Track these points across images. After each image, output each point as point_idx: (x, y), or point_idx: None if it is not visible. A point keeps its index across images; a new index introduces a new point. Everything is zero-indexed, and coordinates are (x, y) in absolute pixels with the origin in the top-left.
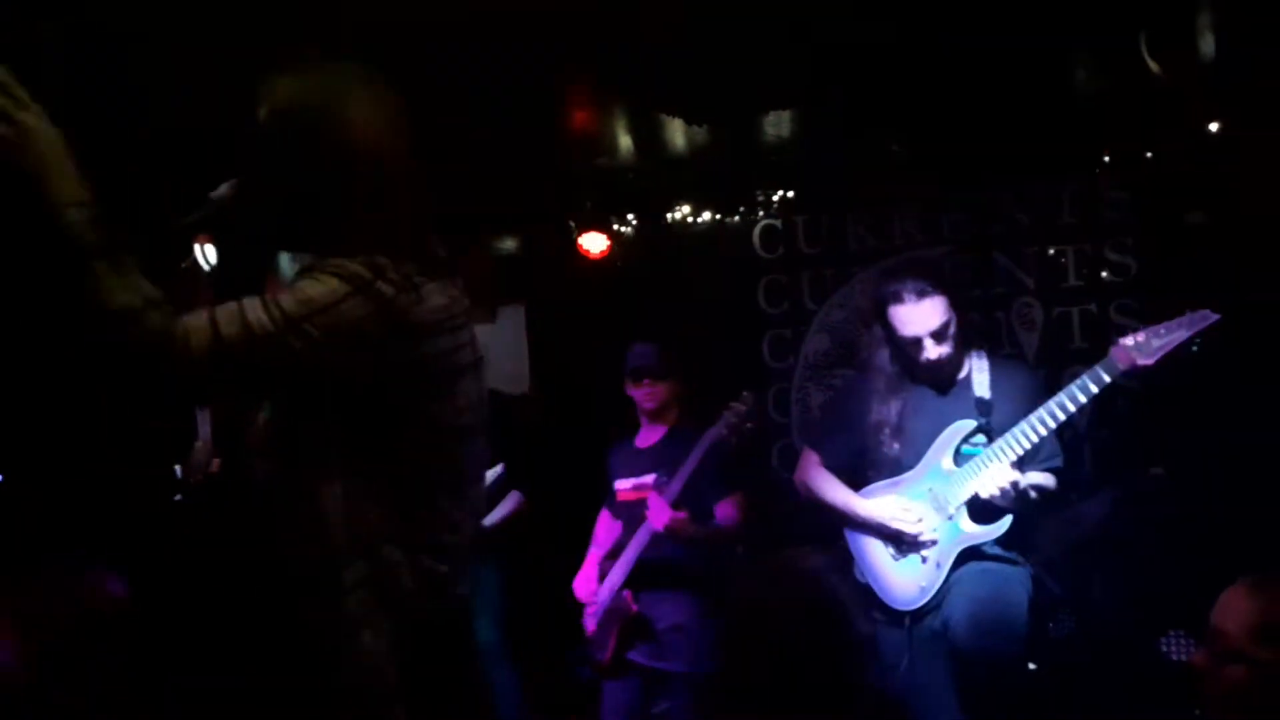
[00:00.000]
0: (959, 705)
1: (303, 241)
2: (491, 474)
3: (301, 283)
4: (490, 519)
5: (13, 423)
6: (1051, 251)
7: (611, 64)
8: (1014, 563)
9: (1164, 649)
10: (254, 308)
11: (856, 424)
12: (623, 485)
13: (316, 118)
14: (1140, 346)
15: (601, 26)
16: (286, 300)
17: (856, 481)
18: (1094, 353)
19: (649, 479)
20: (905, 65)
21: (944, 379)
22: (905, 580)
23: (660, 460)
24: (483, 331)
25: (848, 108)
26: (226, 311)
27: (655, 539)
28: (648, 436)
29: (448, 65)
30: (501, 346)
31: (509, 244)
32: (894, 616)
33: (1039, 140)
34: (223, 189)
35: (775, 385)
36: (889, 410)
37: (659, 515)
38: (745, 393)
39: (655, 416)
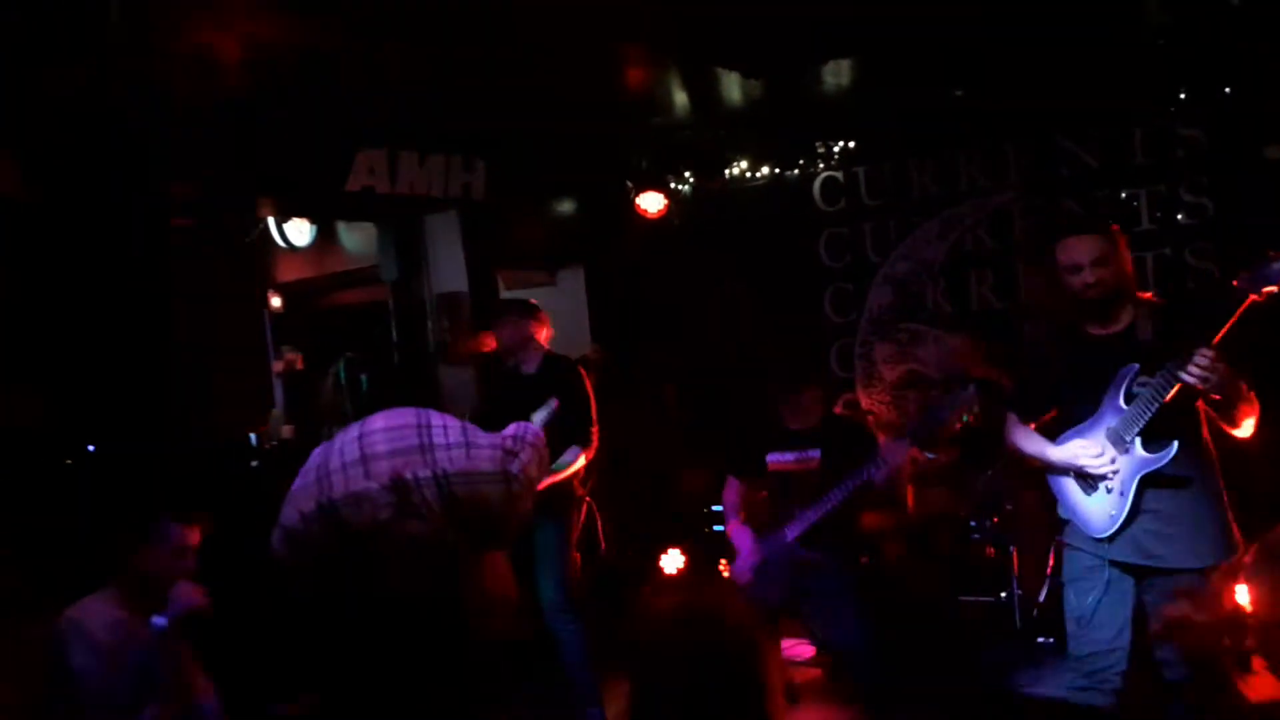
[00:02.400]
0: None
1: None
2: (544, 411)
3: None
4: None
5: (99, 392)
6: (1124, 195)
7: (665, 19)
8: (1189, 480)
9: None
10: None
11: (1043, 382)
12: (782, 459)
13: None
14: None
15: None
16: None
17: (1055, 430)
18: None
19: (814, 454)
20: (965, 6)
21: (1110, 334)
22: (1098, 510)
23: (816, 440)
24: (543, 294)
25: (908, 53)
26: None
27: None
28: (798, 418)
29: (506, 28)
30: (562, 309)
31: (567, 206)
32: (1093, 545)
33: (1107, 79)
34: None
35: (839, 340)
36: (1071, 368)
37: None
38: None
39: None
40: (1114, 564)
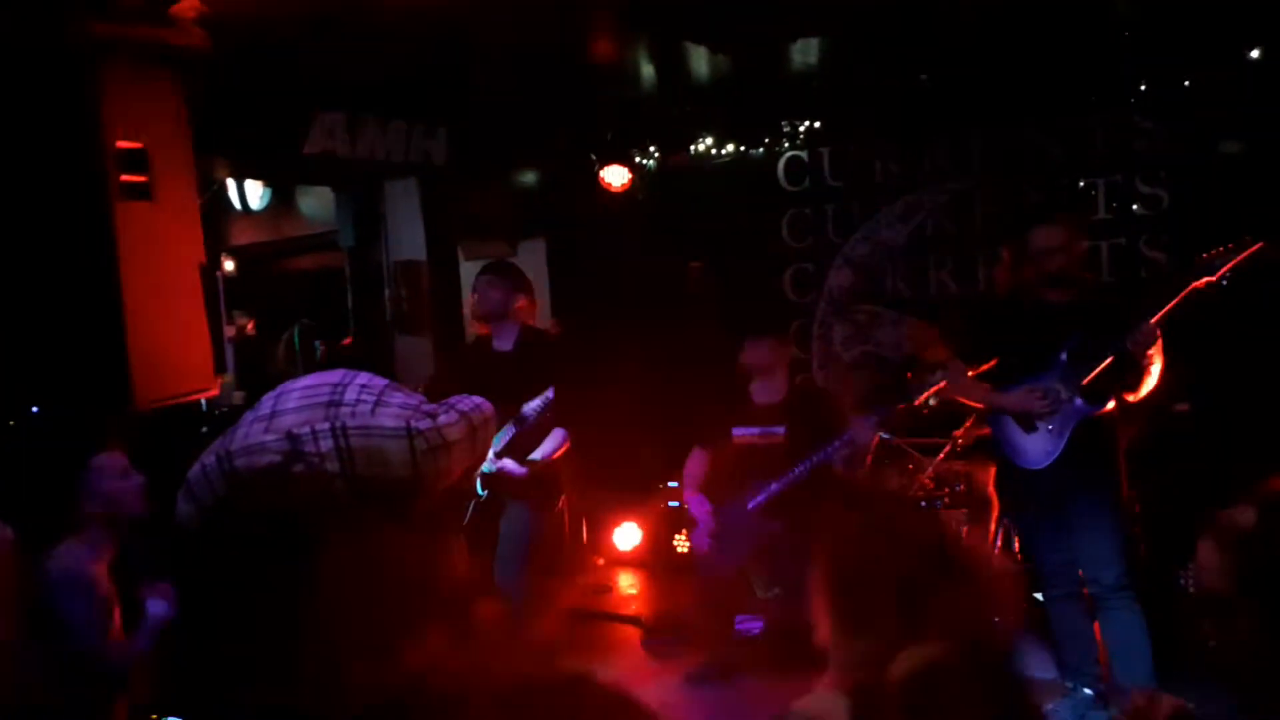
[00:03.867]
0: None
1: None
2: (536, 402)
3: None
4: (539, 453)
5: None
6: (1082, 184)
7: None
8: (1109, 429)
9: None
10: None
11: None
12: (747, 433)
13: None
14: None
15: None
16: None
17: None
18: (1121, 288)
19: (779, 430)
20: None
21: (1060, 303)
22: (1036, 448)
23: (780, 416)
24: None
25: (875, 36)
26: None
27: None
28: (764, 393)
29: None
30: None
31: (529, 177)
32: (1028, 476)
33: (1071, 69)
34: None
35: (797, 319)
36: (1022, 327)
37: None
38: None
39: (766, 373)
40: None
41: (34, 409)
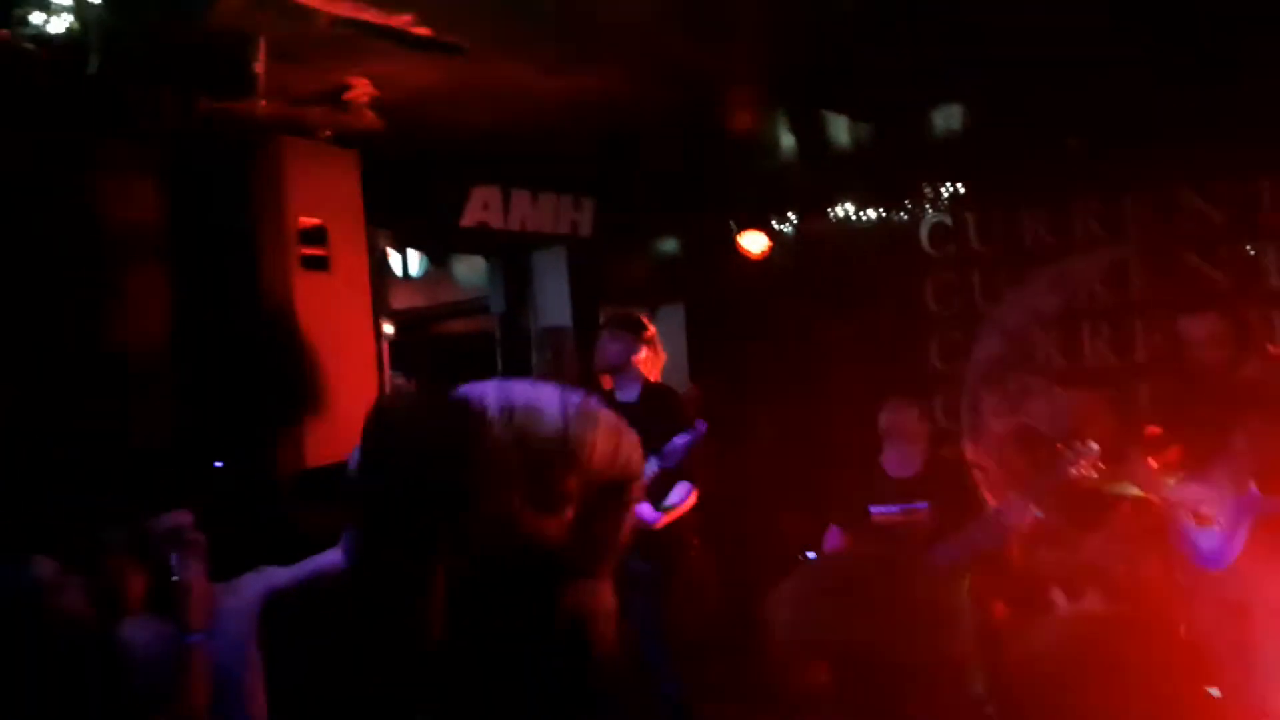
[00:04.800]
0: None
1: None
2: (686, 436)
3: None
4: (672, 499)
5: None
6: (1250, 250)
7: (775, 65)
8: None
9: None
10: None
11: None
12: (886, 511)
13: None
14: None
15: (765, 25)
16: None
17: None
18: None
19: (920, 506)
20: (1086, 53)
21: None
22: (1211, 545)
23: (920, 491)
24: None
25: (1023, 99)
26: None
27: None
28: (899, 466)
29: (619, 70)
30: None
31: (669, 244)
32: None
33: (1233, 130)
34: None
35: (944, 388)
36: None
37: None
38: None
39: (903, 442)
40: None
41: (217, 464)
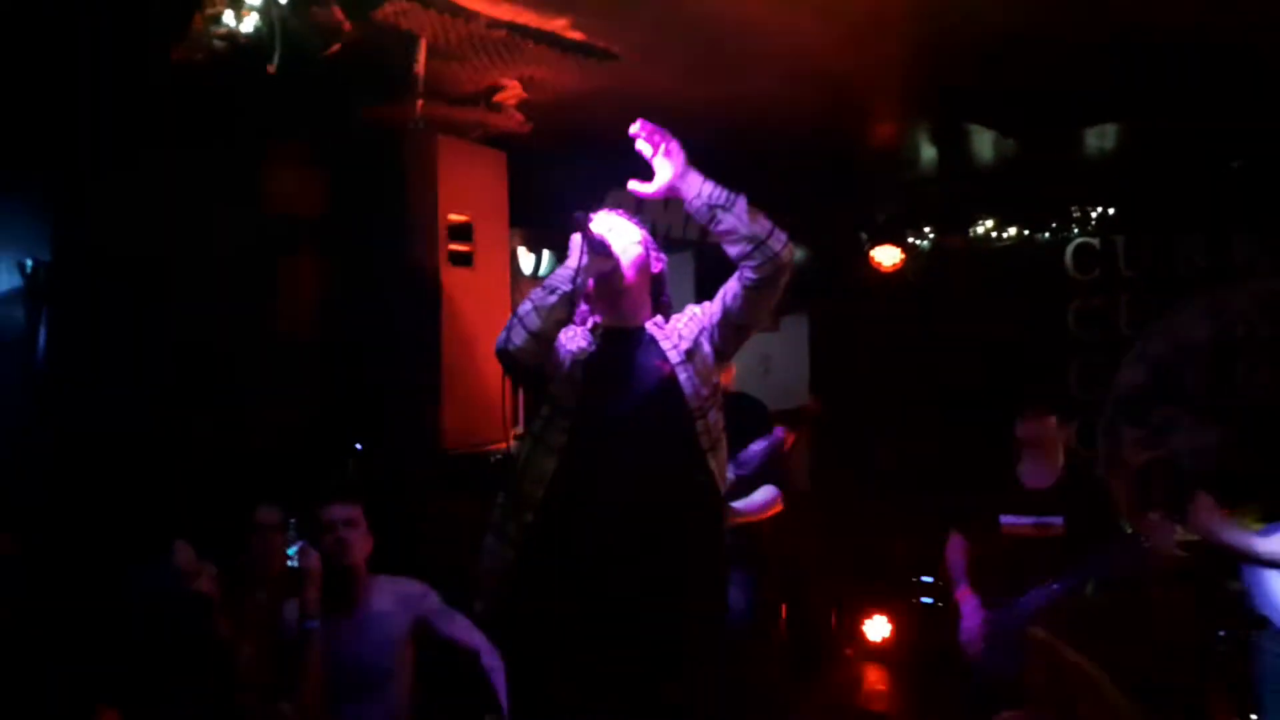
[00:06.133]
0: None
1: None
2: (759, 444)
3: None
4: (745, 504)
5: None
6: None
7: (927, 75)
8: None
9: None
10: None
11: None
12: (1018, 522)
13: None
14: None
15: (920, 39)
16: None
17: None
18: None
19: (1055, 520)
20: (1250, 66)
21: None
22: None
23: (1057, 504)
24: (765, 340)
25: (1181, 120)
26: None
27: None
28: (1035, 476)
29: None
30: (782, 355)
31: (798, 253)
32: None
33: None
34: None
35: (1083, 415)
36: None
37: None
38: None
39: (1040, 452)
40: None
41: (358, 445)
